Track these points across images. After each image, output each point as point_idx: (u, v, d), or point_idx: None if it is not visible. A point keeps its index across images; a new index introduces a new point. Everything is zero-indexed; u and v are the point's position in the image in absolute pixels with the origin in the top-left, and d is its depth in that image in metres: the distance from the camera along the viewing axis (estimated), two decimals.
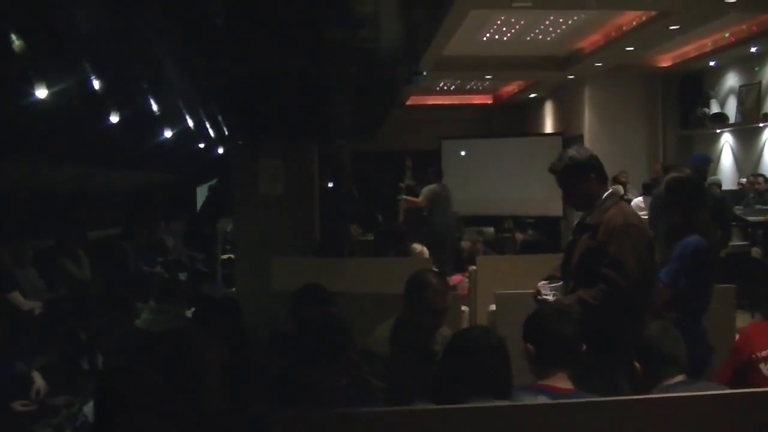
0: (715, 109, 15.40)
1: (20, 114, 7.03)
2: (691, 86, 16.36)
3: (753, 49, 13.49)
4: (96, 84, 7.77)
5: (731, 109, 14.95)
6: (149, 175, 14.37)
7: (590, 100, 16.99)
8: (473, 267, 7.67)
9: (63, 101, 7.34)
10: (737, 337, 4.46)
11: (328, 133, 9.63)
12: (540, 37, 13.84)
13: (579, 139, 16.67)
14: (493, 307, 5.91)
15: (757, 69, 14.08)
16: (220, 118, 11.40)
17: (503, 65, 15.85)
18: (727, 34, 13.23)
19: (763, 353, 4.15)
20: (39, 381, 5.56)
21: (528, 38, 13.90)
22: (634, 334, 4.18)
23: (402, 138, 19.62)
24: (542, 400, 3.22)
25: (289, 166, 9.17)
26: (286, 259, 7.47)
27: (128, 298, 9.68)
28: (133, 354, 4.08)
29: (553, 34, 13.69)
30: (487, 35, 13.61)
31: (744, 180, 13.53)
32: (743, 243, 11.86)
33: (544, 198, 17.14)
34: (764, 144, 13.92)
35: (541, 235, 14.83)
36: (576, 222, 5.32)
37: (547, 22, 12.91)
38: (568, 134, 17.56)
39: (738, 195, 13.31)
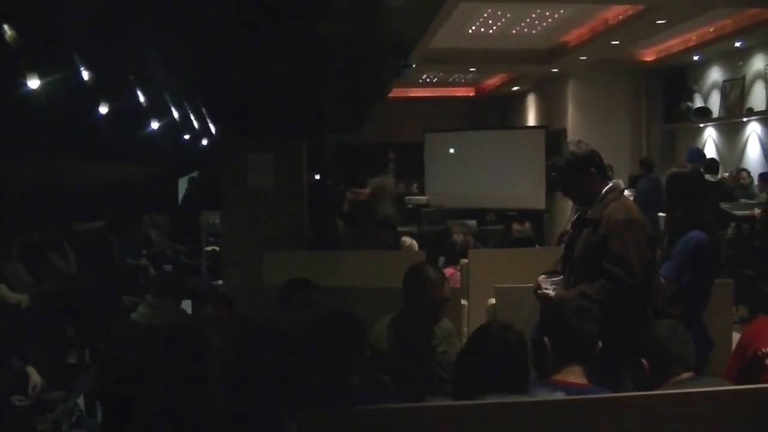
0: (698, 103, 15.47)
1: (5, 108, 6.98)
2: (675, 80, 16.41)
3: (737, 44, 13.55)
4: (83, 76, 7.71)
5: (715, 103, 15.02)
6: (133, 168, 14.28)
7: (574, 94, 17.02)
8: (465, 260, 7.66)
9: (48, 95, 7.28)
10: (742, 333, 4.44)
11: (317, 127, 9.59)
12: (526, 30, 13.85)
13: (562, 132, 16.71)
14: (492, 300, 5.89)
15: (740, 64, 14.14)
16: (207, 111, 11.34)
17: (488, 58, 15.86)
18: (712, 29, 13.29)
19: None
20: (35, 376, 5.51)
21: (514, 31, 13.90)
22: (636, 330, 4.20)
23: (385, 130, 19.57)
24: (559, 395, 3.21)
25: (279, 159, 9.13)
26: (276, 253, 7.43)
27: (115, 292, 9.66)
28: (140, 350, 4.04)
29: (539, 28, 13.70)
30: (473, 28, 13.60)
31: (727, 174, 13.59)
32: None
33: (528, 191, 17.19)
34: (747, 138, 14.00)
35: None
36: (575, 216, 5.32)
37: (533, 15, 12.92)
38: (551, 128, 17.58)
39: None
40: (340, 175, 18.10)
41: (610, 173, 13.11)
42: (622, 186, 5.07)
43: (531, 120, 19.74)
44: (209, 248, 13.67)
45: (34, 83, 6.62)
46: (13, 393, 5.31)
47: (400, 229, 12.82)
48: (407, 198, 16.75)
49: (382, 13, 7.59)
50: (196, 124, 13.20)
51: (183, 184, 18.03)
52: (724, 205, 11.44)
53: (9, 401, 5.14)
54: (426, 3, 8.43)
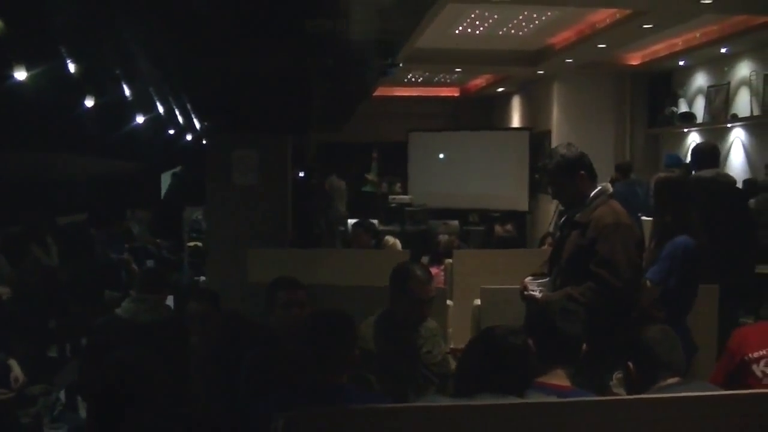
0: (683, 108, 15.48)
1: None
2: (660, 85, 16.42)
3: (723, 50, 13.57)
4: (69, 69, 7.68)
5: (699, 108, 15.03)
6: (116, 162, 14.23)
7: (559, 97, 17.00)
8: (449, 260, 7.67)
9: (34, 87, 7.24)
10: (730, 338, 4.45)
11: (303, 124, 9.58)
12: (512, 32, 13.84)
13: (547, 134, 16.72)
14: (478, 301, 5.89)
15: (726, 69, 14.17)
16: (192, 107, 11.31)
17: (474, 59, 15.82)
18: (698, 35, 13.30)
19: (756, 354, 4.17)
20: (17, 369, 5.48)
21: (500, 33, 13.88)
22: (621, 333, 4.20)
23: (368, 129, 19.54)
24: (546, 398, 3.20)
25: (263, 156, 9.11)
26: (261, 250, 7.41)
27: (96, 286, 9.62)
28: (125, 345, 4.01)
29: (526, 30, 13.69)
30: (460, 29, 13.59)
31: None
32: None
33: (511, 192, 17.22)
34: (731, 144, 14.03)
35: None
36: (563, 219, 5.33)
37: (521, 17, 12.91)
38: (535, 130, 17.60)
39: None
40: (323, 173, 18.07)
41: None
42: (611, 189, 5.08)
43: (515, 121, 19.74)
44: (191, 243, 13.64)
45: (21, 75, 6.58)
46: None
47: (383, 228, 12.87)
48: (390, 197, 16.77)
49: (370, 12, 7.58)
50: (180, 119, 13.16)
51: (166, 179, 17.96)
52: None
53: None
54: (414, 2, 8.42)
